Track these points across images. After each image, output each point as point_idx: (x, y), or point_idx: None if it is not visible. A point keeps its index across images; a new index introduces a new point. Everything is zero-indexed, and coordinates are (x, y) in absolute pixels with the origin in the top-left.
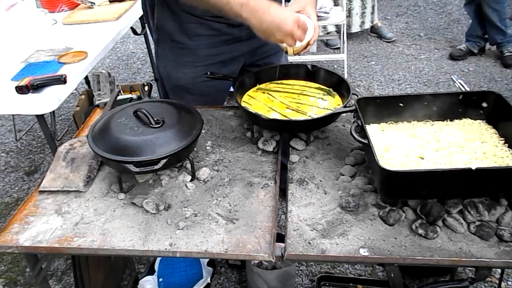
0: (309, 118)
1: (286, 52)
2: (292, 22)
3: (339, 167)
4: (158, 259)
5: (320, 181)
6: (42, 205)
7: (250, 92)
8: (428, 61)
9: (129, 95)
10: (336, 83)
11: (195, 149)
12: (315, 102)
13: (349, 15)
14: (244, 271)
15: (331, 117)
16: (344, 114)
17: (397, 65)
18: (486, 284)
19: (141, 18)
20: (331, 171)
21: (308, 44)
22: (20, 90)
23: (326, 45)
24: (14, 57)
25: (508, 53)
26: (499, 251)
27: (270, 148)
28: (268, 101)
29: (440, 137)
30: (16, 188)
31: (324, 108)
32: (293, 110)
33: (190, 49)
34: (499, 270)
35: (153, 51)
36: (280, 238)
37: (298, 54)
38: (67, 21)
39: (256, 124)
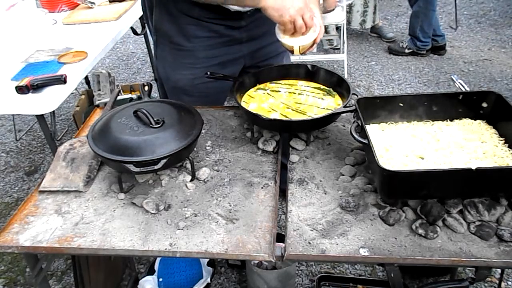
0: (309, 118)
1: (292, 52)
2: (304, 2)
3: (339, 167)
4: (158, 259)
5: (320, 181)
6: (42, 205)
7: (250, 92)
8: (428, 61)
9: (129, 95)
10: (336, 83)
11: (195, 149)
12: (315, 102)
13: (349, 11)
14: (244, 271)
15: (331, 117)
16: (344, 114)
17: (397, 65)
18: (486, 284)
19: (141, 18)
20: (331, 171)
21: (314, 42)
22: (20, 90)
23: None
24: (14, 57)
25: None
26: (499, 251)
27: (270, 148)
28: (267, 101)
29: (440, 137)
30: (16, 188)
31: (324, 108)
32: (293, 110)
33: (188, 50)
34: (499, 270)
35: (153, 51)
36: (280, 238)
37: (304, 53)
38: (67, 21)
39: (256, 124)
